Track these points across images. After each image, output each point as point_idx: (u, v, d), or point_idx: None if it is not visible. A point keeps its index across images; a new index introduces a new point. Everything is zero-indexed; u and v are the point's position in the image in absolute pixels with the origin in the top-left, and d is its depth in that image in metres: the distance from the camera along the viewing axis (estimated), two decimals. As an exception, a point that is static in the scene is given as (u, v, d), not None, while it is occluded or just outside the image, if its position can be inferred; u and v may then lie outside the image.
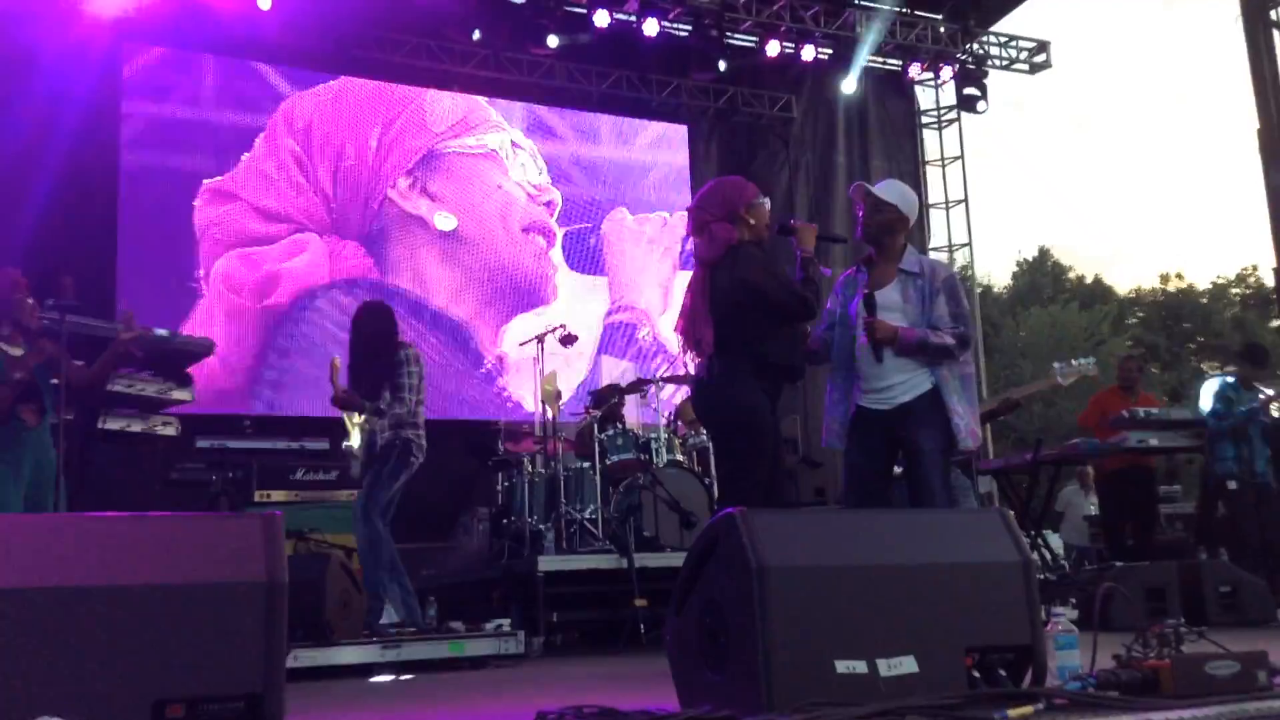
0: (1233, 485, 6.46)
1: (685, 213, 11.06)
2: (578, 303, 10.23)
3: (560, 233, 10.44)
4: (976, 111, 11.87)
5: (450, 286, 9.89)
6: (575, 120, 10.86)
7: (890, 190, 4.00)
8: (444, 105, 10.16)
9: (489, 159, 10.26)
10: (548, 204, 10.42)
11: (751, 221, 3.92)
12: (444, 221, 9.95)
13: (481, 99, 10.33)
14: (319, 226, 9.46)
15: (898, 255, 3.94)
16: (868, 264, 4.03)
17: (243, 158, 9.33)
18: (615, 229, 10.68)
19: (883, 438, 3.88)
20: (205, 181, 9.15)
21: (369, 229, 9.67)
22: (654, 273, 10.79)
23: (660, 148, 11.24)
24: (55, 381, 4.71)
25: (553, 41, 9.93)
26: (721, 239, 3.86)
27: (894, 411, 3.85)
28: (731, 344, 3.79)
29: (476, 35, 9.93)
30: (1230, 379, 6.86)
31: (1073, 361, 5.89)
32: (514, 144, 10.37)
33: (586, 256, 10.52)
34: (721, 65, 10.67)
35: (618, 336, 10.46)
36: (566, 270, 10.38)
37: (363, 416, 5.46)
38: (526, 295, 10.13)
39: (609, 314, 10.49)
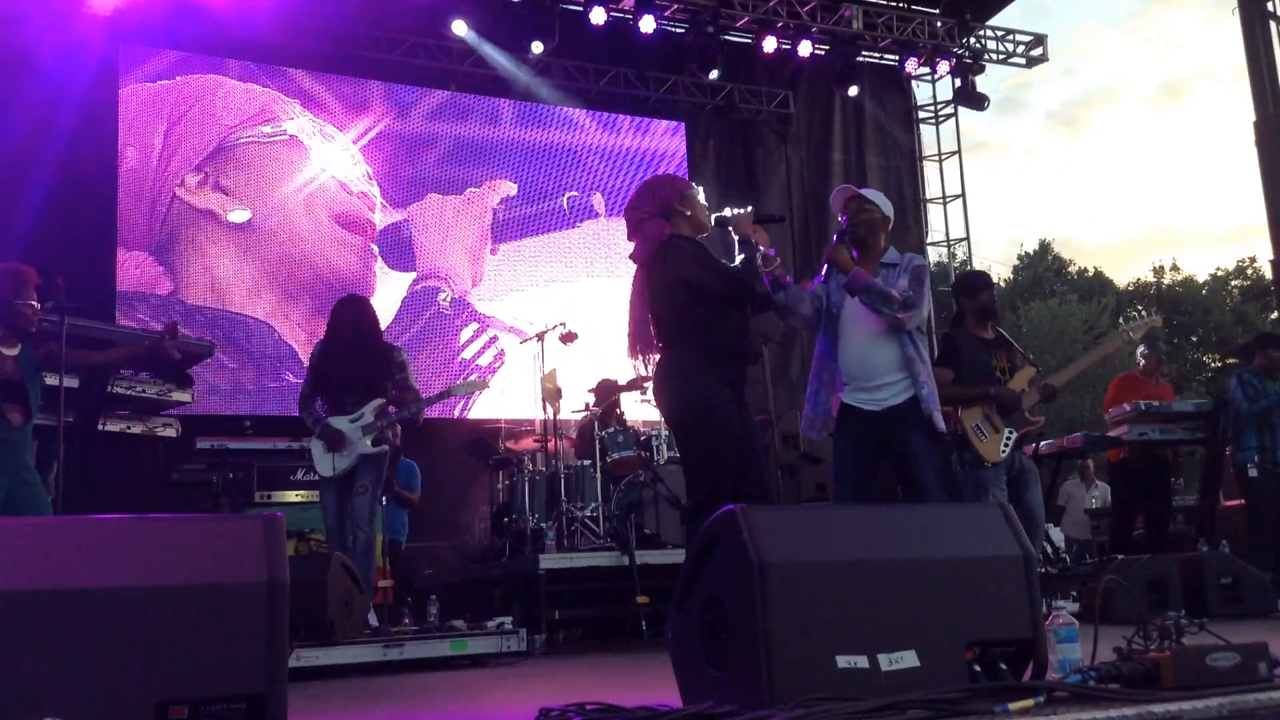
0: (1253, 472, 6.45)
1: (501, 181, 10.85)
2: (400, 293, 9.70)
3: (379, 225, 9.73)
4: (981, 106, 11.82)
5: (247, 283, 9.14)
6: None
7: (872, 193, 4.21)
8: (236, 96, 9.37)
9: (288, 145, 9.47)
10: (361, 195, 9.66)
11: (687, 213, 3.93)
12: (237, 215, 9.18)
13: (277, 92, 9.57)
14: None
15: (880, 254, 4.09)
16: None
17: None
18: (420, 215, 9.94)
19: (871, 436, 3.98)
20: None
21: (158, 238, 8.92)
22: (462, 243, 10.08)
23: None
24: (52, 382, 4.68)
25: (537, 48, 9.91)
26: (653, 236, 3.86)
27: (885, 413, 3.95)
28: (675, 339, 3.81)
29: (463, 31, 9.86)
30: (1247, 371, 6.72)
31: (1137, 315, 5.93)
32: (322, 132, 9.62)
33: (402, 250, 9.81)
34: (714, 74, 10.70)
35: (414, 303, 9.76)
36: (384, 266, 9.70)
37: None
38: (336, 286, 9.18)
39: (412, 285, 9.85)
